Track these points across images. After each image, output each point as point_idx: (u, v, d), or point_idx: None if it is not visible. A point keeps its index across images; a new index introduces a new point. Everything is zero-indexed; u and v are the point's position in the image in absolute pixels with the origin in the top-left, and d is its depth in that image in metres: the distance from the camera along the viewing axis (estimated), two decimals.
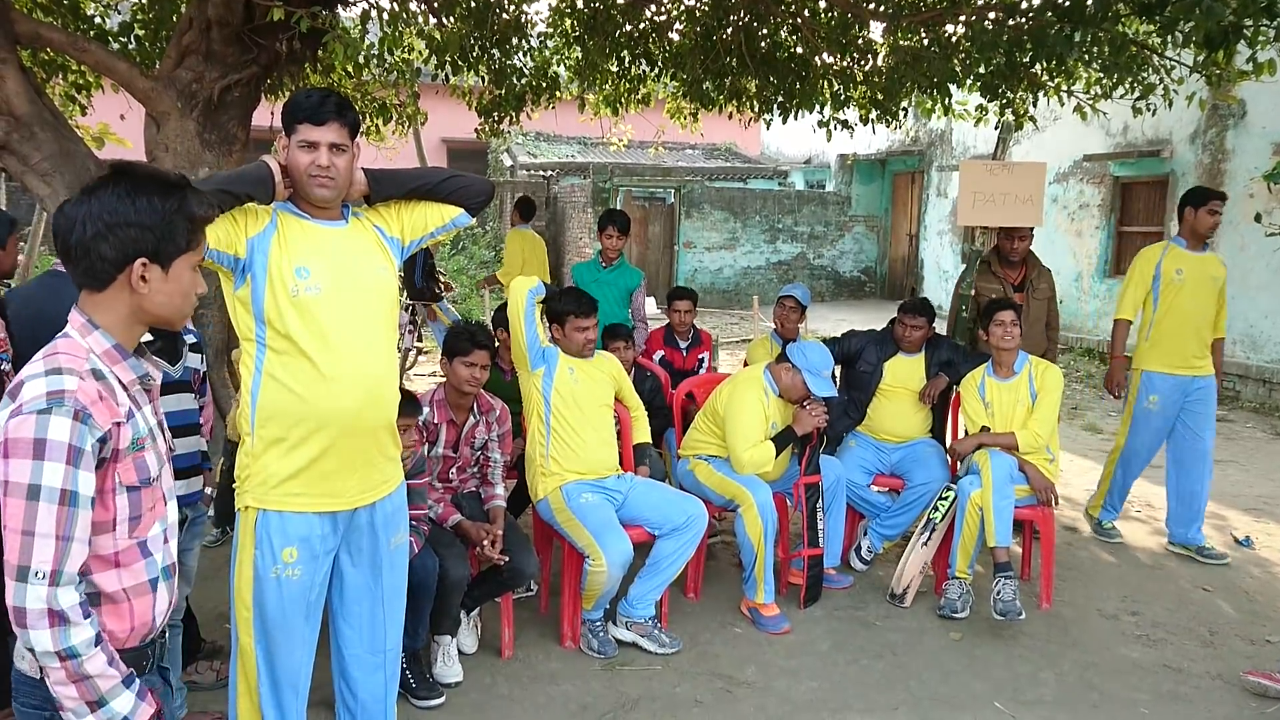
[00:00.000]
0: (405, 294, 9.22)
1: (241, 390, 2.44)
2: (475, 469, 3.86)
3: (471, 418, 3.75)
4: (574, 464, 3.84)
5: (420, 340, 9.53)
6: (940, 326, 5.47)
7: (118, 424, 1.58)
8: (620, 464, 4.06)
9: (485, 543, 3.51)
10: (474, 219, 2.80)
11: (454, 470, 3.77)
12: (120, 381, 1.63)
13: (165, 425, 1.81)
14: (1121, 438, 5.30)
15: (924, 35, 7.35)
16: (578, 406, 3.87)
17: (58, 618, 1.47)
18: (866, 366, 4.89)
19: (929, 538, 4.41)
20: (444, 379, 3.76)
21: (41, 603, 1.46)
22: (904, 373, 4.88)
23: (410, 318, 9.10)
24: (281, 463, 2.39)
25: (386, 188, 2.59)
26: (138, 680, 1.59)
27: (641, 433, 4.24)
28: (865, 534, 4.79)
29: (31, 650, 1.48)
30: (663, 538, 3.83)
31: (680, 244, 16.70)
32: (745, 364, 5.78)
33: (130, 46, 8.41)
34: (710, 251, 16.96)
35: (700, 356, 5.51)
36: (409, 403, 3.23)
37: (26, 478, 1.45)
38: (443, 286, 9.28)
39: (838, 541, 4.57)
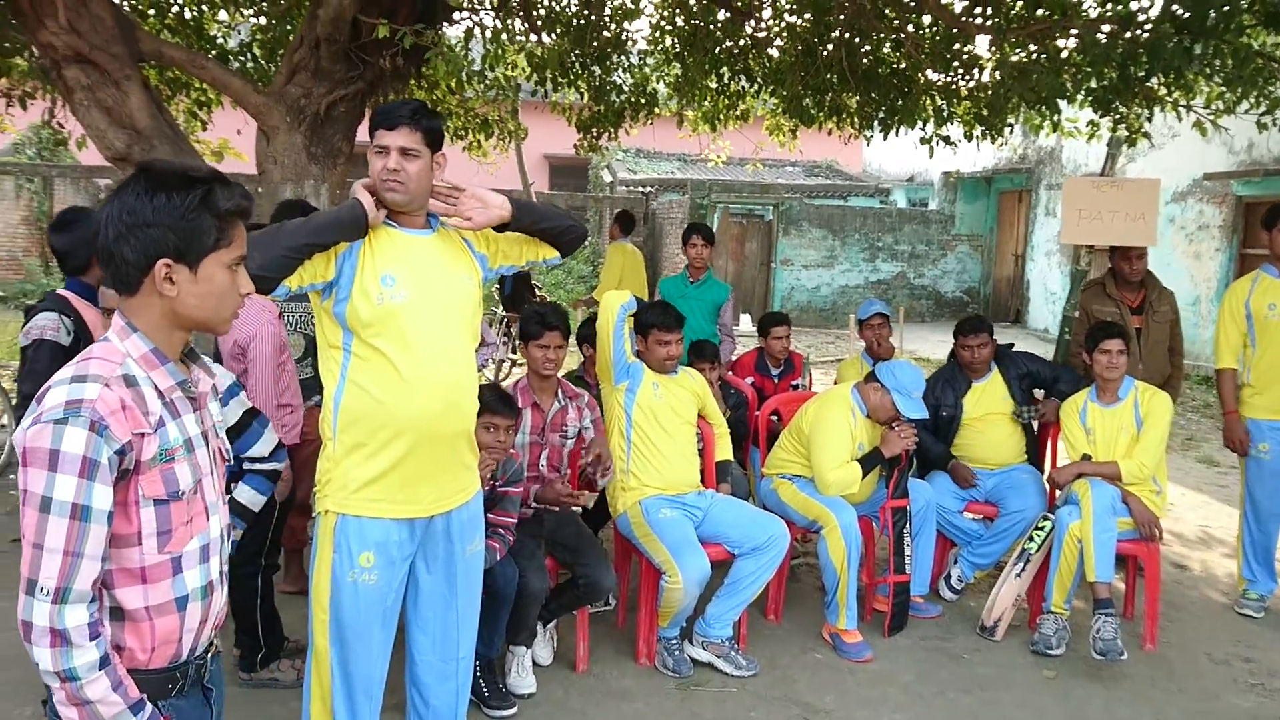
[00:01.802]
0: (500, 305, 9.37)
1: (325, 395, 2.49)
2: (564, 463, 3.80)
3: (556, 403, 3.74)
4: (654, 479, 3.81)
5: (514, 351, 9.66)
6: (1043, 349, 5.24)
7: (141, 435, 1.49)
8: (702, 481, 4.01)
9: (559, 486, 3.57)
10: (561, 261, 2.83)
11: (543, 459, 3.73)
12: (157, 388, 1.55)
13: (218, 432, 1.73)
14: (1242, 490, 4.81)
15: (1032, 49, 7.12)
16: (659, 422, 3.84)
17: (59, 637, 1.40)
18: (947, 410, 4.71)
19: (1023, 569, 4.22)
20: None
21: (45, 620, 1.40)
22: (985, 400, 4.70)
23: (505, 328, 9.24)
24: (362, 468, 2.43)
25: (525, 217, 2.60)
26: (149, 707, 1.50)
27: (724, 450, 4.18)
28: (955, 562, 4.62)
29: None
30: (742, 557, 3.76)
31: (777, 261, 16.55)
32: (835, 384, 5.66)
33: (249, 65, 8.81)
34: (808, 269, 16.76)
35: (793, 384, 5.37)
36: (504, 402, 3.25)
37: (41, 489, 1.40)
38: (537, 299, 9.39)
39: (926, 569, 4.41)
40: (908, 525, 4.17)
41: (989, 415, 4.68)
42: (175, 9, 8.43)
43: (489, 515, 3.22)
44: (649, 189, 17.95)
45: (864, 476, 4.06)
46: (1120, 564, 4.42)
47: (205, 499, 1.63)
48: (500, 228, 2.58)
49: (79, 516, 1.41)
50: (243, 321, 3.29)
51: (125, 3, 7.77)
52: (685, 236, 5.49)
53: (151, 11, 8.14)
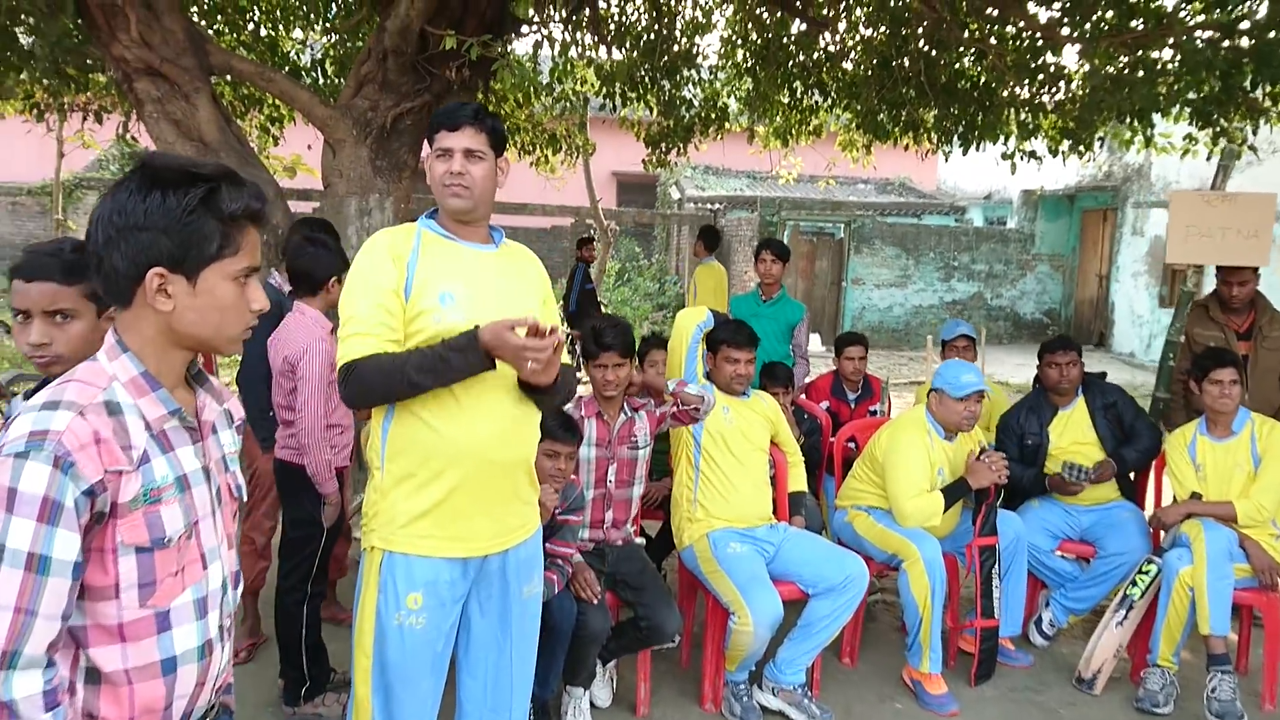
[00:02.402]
0: (565, 322, 9.23)
1: (372, 422, 2.31)
2: (638, 478, 3.54)
3: (623, 415, 3.50)
4: (723, 510, 3.56)
5: (580, 368, 9.50)
6: (1128, 374, 4.85)
7: (118, 472, 1.28)
8: (774, 513, 3.75)
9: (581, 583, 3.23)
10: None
11: (611, 473, 3.47)
12: (144, 417, 1.33)
13: (229, 466, 1.52)
14: None
15: (1125, 59, 6.74)
16: (730, 449, 3.60)
17: (6, 710, 1.20)
18: (1032, 438, 4.37)
19: (1125, 617, 3.86)
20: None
21: None
22: (1071, 429, 4.34)
23: (570, 345, 9.08)
24: (411, 500, 2.24)
25: (562, 388, 2.33)
26: None
27: (798, 480, 3.92)
28: (1047, 605, 4.27)
29: None
30: (817, 597, 3.48)
31: (848, 280, 16.16)
32: None
33: (320, 82, 8.86)
34: (880, 289, 16.32)
35: (871, 409, 5.07)
36: (566, 427, 3.05)
37: None
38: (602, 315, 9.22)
39: (1016, 612, 4.07)
40: (996, 565, 3.85)
41: (1076, 445, 4.33)
42: (250, 26, 8.50)
43: (546, 545, 3.01)
44: (717, 206, 17.72)
45: (947, 508, 3.76)
46: (1234, 614, 4.03)
47: (202, 545, 1.41)
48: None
49: (36, 568, 1.20)
50: (293, 336, 3.14)
51: (201, 19, 7.85)
52: (757, 252, 5.21)
53: (226, 29, 8.22)
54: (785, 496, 3.86)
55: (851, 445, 4.61)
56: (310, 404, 3.06)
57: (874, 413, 5.07)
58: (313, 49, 9.19)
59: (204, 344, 1.39)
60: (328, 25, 8.70)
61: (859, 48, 8.35)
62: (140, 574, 1.31)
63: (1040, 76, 7.28)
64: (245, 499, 1.57)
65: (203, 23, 7.79)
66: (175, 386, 1.41)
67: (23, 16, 6.43)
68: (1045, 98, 7.71)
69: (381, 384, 2.13)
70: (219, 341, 1.39)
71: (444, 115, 2.24)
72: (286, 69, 8.43)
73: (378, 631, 2.26)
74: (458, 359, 2.10)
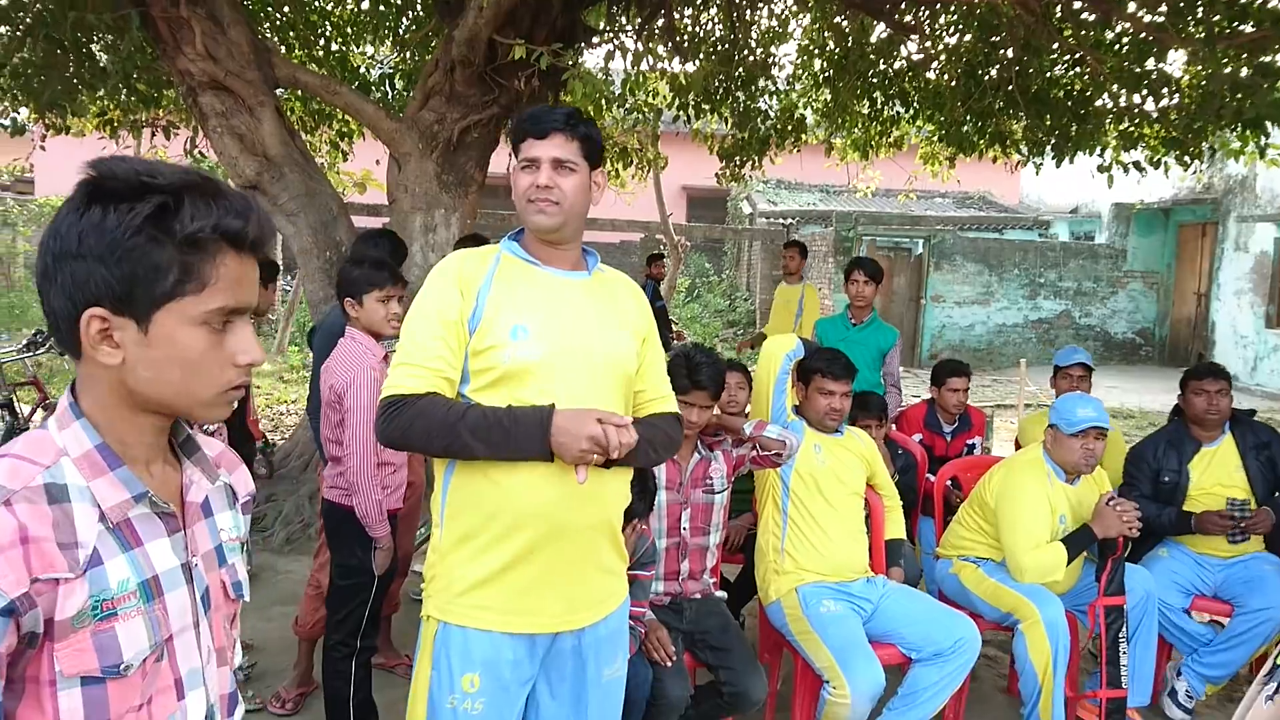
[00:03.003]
0: None
1: (435, 470, 2.00)
2: (715, 525, 3.18)
3: (696, 454, 3.15)
4: (814, 562, 3.18)
5: None
6: (1248, 402, 4.33)
7: (55, 580, 0.96)
8: (869, 563, 3.36)
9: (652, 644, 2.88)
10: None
11: (685, 520, 3.11)
12: (98, 505, 1.02)
13: (226, 558, 1.19)
14: None
15: (1241, 63, 6.21)
16: (822, 492, 3.22)
17: None
18: (1169, 476, 3.88)
19: (1277, 690, 3.36)
20: None
21: None
22: (1216, 469, 3.84)
23: None
24: (470, 565, 1.92)
25: (657, 450, 2.06)
26: None
27: (895, 526, 3.51)
28: (1179, 674, 3.78)
29: None
30: (922, 663, 3.08)
31: (928, 297, 15.57)
32: (1017, 445, 4.89)
33: (389, 96, 8.74)
34: (960, 306, 15.69)
35: (969, 443, 4.61)
36: (638, 494, 2.71)
37: None
38: (674, 335, 8.88)
39: (1147, 680, 3.59)
40: (1124, 628, 3.40)
41: (1221, 488, 3.83)
42: (321, 42, 8.42)
43: None
44: (790, 221, 17.30)
45: (1070, 560, 3.33)
46: None
47: (178, 668, 1.09)
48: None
49: None
50: (341, 364, 2.87)
51: (272, 35, 7.77)
52: (847, 272, 4.79)
53: (298, 45, 8.14)
54: (882, 545, 3.46)
55: (952, 485, 4.18)
56: (358, 439, 2.77)
57: (971, 447, 4.62)
58: (382, 64, 9.10)
59: (168, 407, 1.06)
60: (397, 40, 8.58)
61: (944, 56, 7.96)
62: (88, 710, 0.99)
63: (1144, 83, 6.79)
64: (247, 598, 1.24)
65: (274, 39, 7.71)
66: (150, 460, 1.09)
67: (95, 35, 6.40)
68: (1150, 105, 7.20)
69: (427, 433, 1.86)
70: (186, 404, 1.05)
71: (530, 121, 1.95)
72: (356, 84, 8.30)
73: (429, 716, 1.95)
74: (522, 436, 1.83)
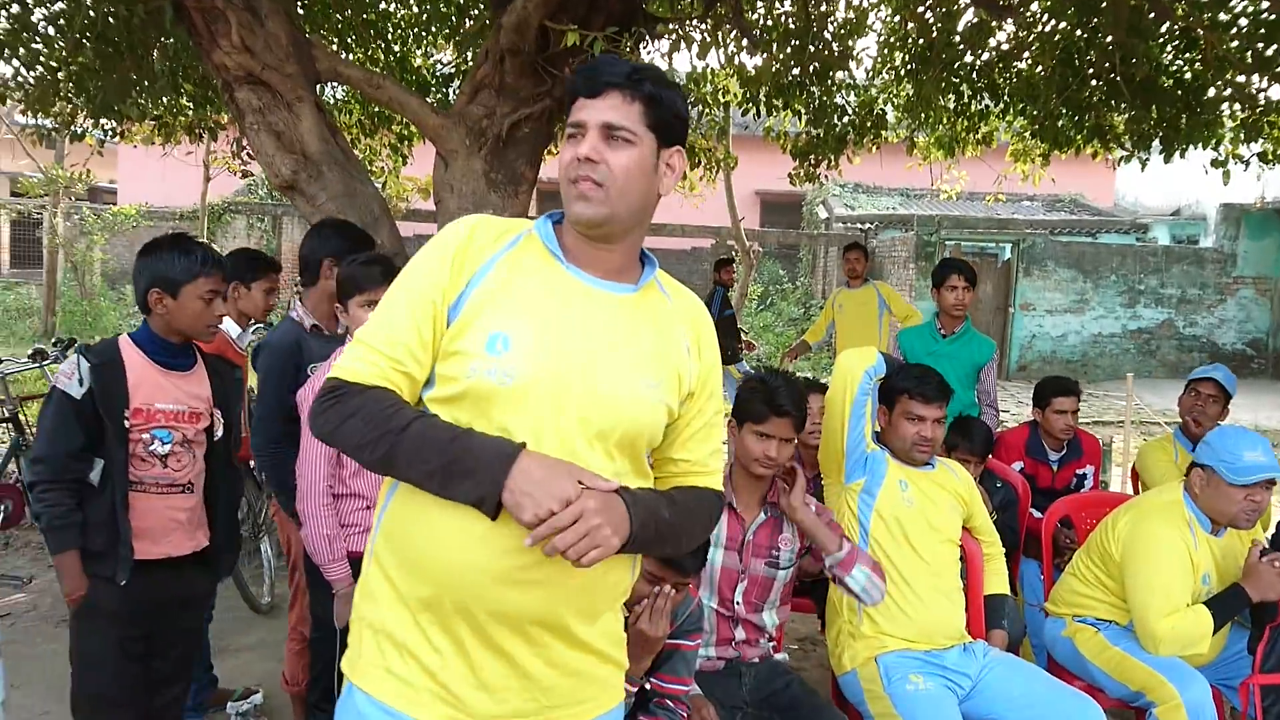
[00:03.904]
0: None
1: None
2: (773, 602, 2.67)
3: (763, 514, 2.64)
4: (899, 626, 2.63)
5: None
6: None
7: None
8: (966, 626, 2.79)
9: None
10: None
11: (739, 594, 2.61)
12: None
13: None
14: None
15: None
16: (909, 539, 2.67)
17: None
18: None
19: None
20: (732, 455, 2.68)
21: None
22: None
23: None
24: (390, 613, 1.47)
25: (644, 537, 1.46)
26: None
27: (997, 580, 2.93)
28: None
29: None
30: None
31: (1016, 306, 14.69)
32: (1134, 476, 4.24)
33: (448, 97, 8.43)
34: (1052, 315, 14.77)
35: (1079, 473, 3.98)
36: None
37: None
38: (744, 345, 8.35)
39: None
40: None
41: None
42: (381, 44, 8.15)
43: (653, 679, 2.18)
44: (868, 225, 16.59)
45: (1218, 628, 2.72)
46: None
47: None
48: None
49: None
50: (317, 376, 2.50)
51: (333, 37, 7.51)
52: (939, 276, 4.15)
53: (357, 47, 7.88)
54: (981, 602, 2.88)
55: (1060, 526, 3.56)
56: (309, 456, 2.39)
57: (1082, 478, 4.00)
58: (443, 65, 8.80)
59: None
60: (456, 40, 8.27)
61: (1037, 43, 7.33)
62: None
63: (1273, 67, 6.06)
64: None
65: (334, 42, 7.45)
66: None
67: (147, 35, 6.20)
68: (1276, 92, 6.48)
69: (361, 436, 1.42)
70: None
71: (583, 75, 1.50)
72: (415, 86, 8.00)
73: None
74: (469, 471, 1.36)
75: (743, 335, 8.52)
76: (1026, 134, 8.37)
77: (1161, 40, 6.69)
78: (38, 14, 6.49)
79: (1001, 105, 7.97)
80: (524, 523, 1.31)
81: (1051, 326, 14.80)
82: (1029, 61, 7.54)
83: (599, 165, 1.43)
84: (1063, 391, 3.87)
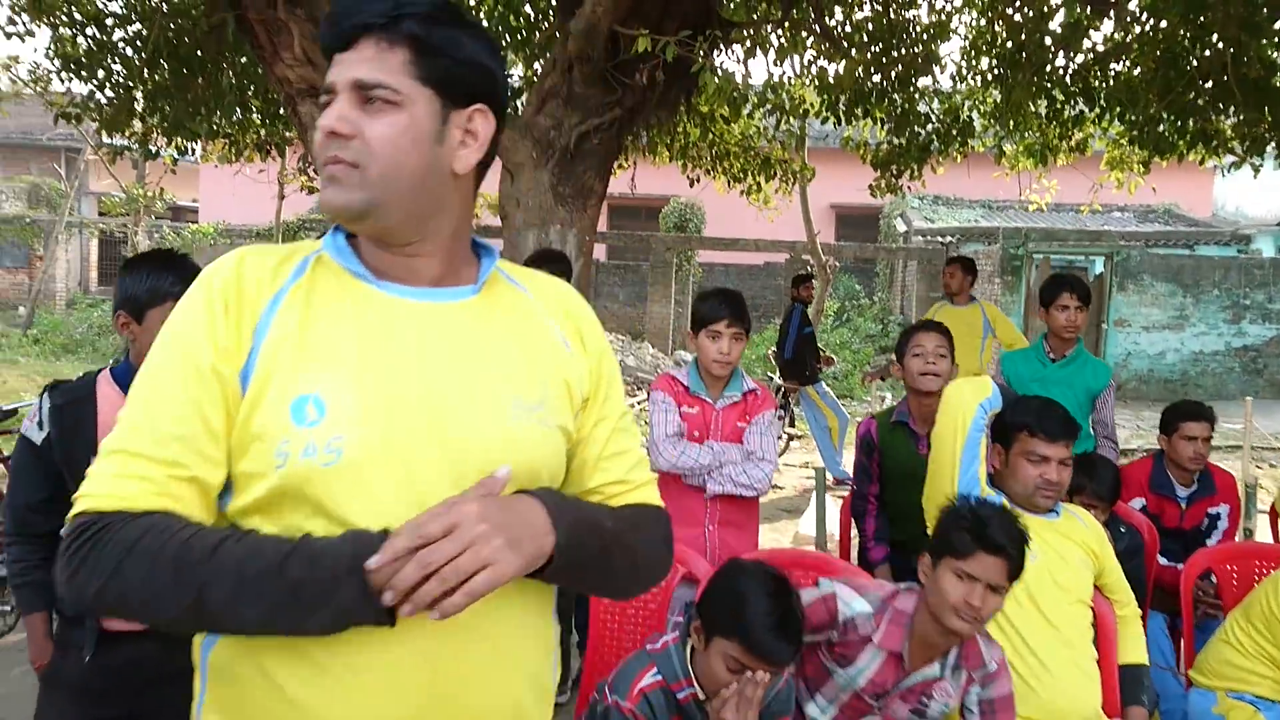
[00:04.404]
0: (776, 372, 8.04)
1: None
2: None
3: (937, 665, 2.14)
4: (1025, 705, 2.24)
5: (792, 425, 8.27)
6: None
7: None
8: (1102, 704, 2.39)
9: None
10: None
11: None
12: None
13: None
14: None
15: None
16: (1034, 601, 2.30)
17: None
18: None
19: None
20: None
21: None
22: None
23: (782, 400, 7.87)
24: None
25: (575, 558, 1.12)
26: None
27: (1134, 646, 2.52)
28: None
29: None
30: None
31: (1110, 322, 13.96)
32: (1273, 516, 3.77)
33: (520, 111, 8.25)
34: (1149, 332, 13.99)
35: (1211, 511, 3.51)
36: (781, 633, 1.89)
37: None
38: (821, 362, 7.96)
39: None
40: None
41: None
42: None
43: None
44: (949, 238, 15.99)
45: None
46: None
47: None
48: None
49: None
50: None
51: None
52: (1049, 294, 3.70)
53: None
54: (1116, 674, 2.48)
55: (1205, 579, 3.12)
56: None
57: (1215, 518, 3.54)
58: (512, 76, 8.64)
59: None
60: (525, 53, 8.10)
61: (1137, 44, 6.87)
62: None
63: None
64: None
65: None
66: None
67: (218, 52, 6.15)
68: None
69: (143, 589, 1.00)
70: None
71: (328, 21, 1.14)
72: None
73: None
74: (319, 597, 0.99)
75: (820, 352, 8.14)
76: (1124, 140, 7.92)
77: (1277, 39, 6.20)
78: (117, 34, 6.51)
79: (1097, 110, 7.55)
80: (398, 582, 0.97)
81: (1148, 344, 14.02)
82: (1128, 63, 7.11)
83: (351, 140, 1.08)
84: (1193, 415, 3.43)
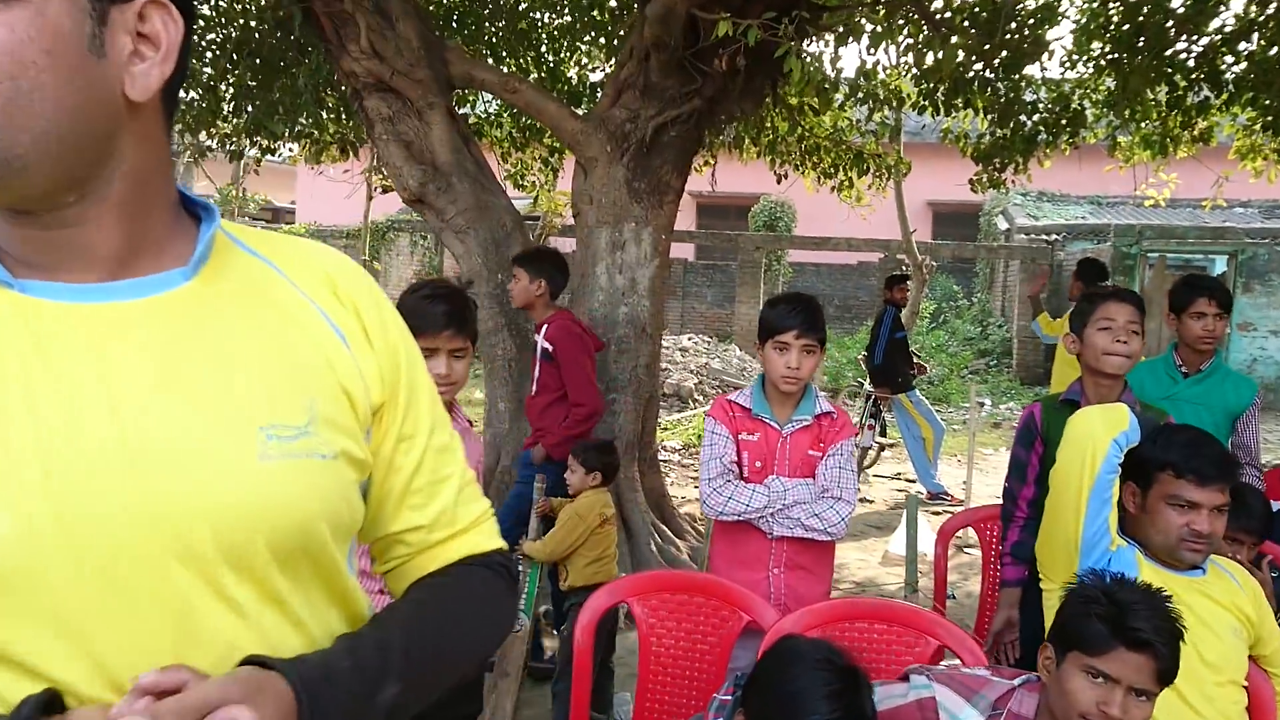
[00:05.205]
0: (867, 378, 7.60)
1: None
2: None
3: None
4: None
5: (884, 434, 7.82)
6: None
7: None
8: None
9: None
10: None
11: None
12: None
13: None
14: None
15: None
16: (1173, 685, 1.89)
17: None
18: None
19: None
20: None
21: None
22: None
23: (873, 407, 7.43)
24: None
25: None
26: None
27: None
28: None
29: None
30: None
31: (1234, 326, 13.01)
32: None
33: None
34: (1278, 336, 12.99)
35: None
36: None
37: None
38: (915, 369, 7.49)
39: None
40: None
41: None
42: (532, 55, 7.83)
43: None
44: (1055, 236, 15.14)
45: None
46: None
47: None
48: None
49: None
50: None
51: (486, 52, 7.23)
52: (1181, 299, 3.17)
53: (509, 58, 7.59)
54: None
55: None
56: None
57: None
58: (593, 75, 8.40)
59: None
60: (610, 48, 7.85)
61: (1271, 22, 6.27)
62: None
63: None
64: None
65: (486, 54, 7.16)
66: None
67: (296, 53, 6.07)
68: None
69: None
70: None
71: None
72: (568, 98, 7.61)
73: None
74: None
75: (914, 358, 7.66)
76: (1256, 127, 7.35)
77: None
78: (205, 37, 6.51)
79: (1225, 96, 6.96)
80: None
81: (1276, 349, 13.01)
82: (1261, 41, 6.50)
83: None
84: None
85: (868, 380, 7.58)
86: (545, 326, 3.90)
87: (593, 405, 3.83)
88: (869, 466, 7.83)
